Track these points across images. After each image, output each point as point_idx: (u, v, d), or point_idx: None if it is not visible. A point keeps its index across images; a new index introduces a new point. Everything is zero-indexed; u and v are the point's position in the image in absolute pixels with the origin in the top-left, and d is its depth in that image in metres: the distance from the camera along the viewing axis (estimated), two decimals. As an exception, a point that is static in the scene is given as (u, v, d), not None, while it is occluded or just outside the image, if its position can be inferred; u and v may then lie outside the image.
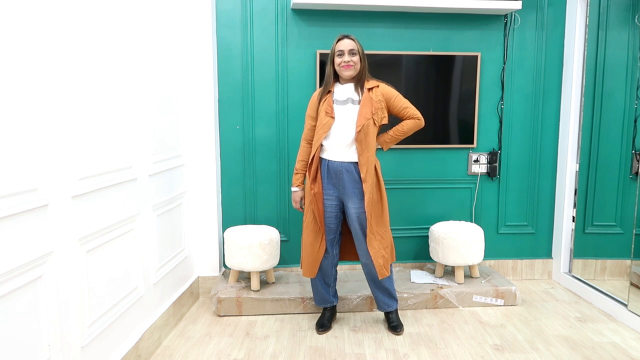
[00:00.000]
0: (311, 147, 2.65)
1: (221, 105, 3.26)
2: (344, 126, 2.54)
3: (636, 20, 3.03)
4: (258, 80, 3.25)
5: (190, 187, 3.15)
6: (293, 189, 2.72)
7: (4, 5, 1.43)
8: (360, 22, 3.26)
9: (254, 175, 3.33)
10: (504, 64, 3.39)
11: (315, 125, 2.63)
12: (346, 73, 2.53)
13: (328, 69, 2.60)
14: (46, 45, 1.65)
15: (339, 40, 2.54)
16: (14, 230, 1.50)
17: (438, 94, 3.34)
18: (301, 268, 2.71)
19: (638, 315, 2.76)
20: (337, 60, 2.54)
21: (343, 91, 2.58)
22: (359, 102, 2.54)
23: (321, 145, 2.59)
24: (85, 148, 1.88)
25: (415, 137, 3.35)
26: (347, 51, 2.51)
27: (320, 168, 2.60)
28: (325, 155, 2.59)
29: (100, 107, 2.00)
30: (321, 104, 2.59)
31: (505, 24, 3.37)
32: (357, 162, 2.55)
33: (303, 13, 3.23)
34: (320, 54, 3.20)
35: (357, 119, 2.51)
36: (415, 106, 2.65)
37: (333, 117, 2.54)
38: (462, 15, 3.32)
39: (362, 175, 2.52)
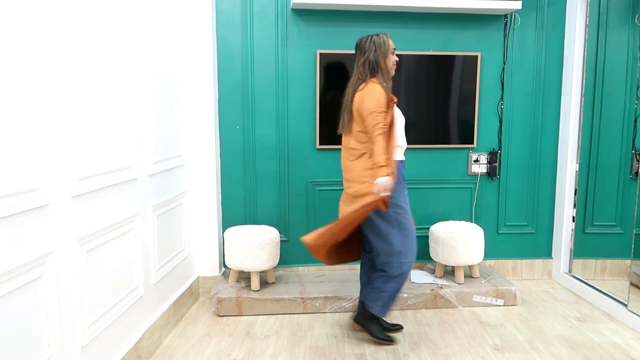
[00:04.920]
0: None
1: (221, 105, 3.26)
2: (401, 126, 2.54)
3: (636, 20, 3.03)
4: (258, 80, 3.25)
5: (190, 187, 3.15)
6: (389, 178, 2.33)
7: (4, 6, 1.43)
8: (360, 22, 3.26)
9: (254, 175, 3.33)
10: (504, 64, 3.39)
11: None
12: (393, 73, 2.52)
13: (383, 64, 2.43)
14: (46, 46, 1.65)
15: (389, 37, 2.46)
16: (14, 230, 1.50)
17: (438, 94, 3.34)
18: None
19: (638, 315, 2.76)
20: (392, 58, 2.47)
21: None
22: None
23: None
24: (85, 148, 1.88)
25: (416, 137, 3.35)
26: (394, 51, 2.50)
27: (398, 170, 2.50)
28: (401, 157, 2.55)
29: (101, 107, 2.00)
30: (390, 103, 2.44)
31: (505, 24, 3.37)
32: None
33: (303, 13, 3.23)
34: (320, 54, 3.20)
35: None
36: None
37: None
38: (462, 15, 3.32)
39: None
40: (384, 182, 2.30)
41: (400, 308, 3.02)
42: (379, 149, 2.31)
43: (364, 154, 2.42)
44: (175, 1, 2.87)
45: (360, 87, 2.42)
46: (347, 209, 2.46)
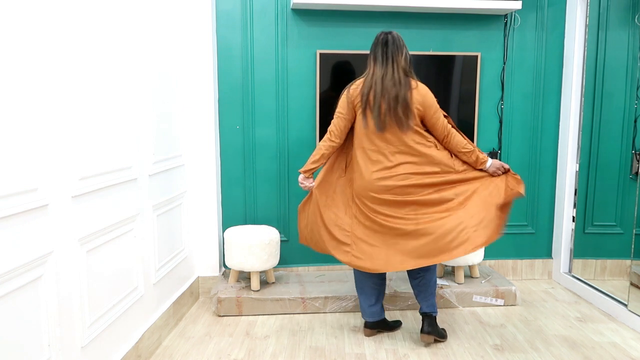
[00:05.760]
0: None
1: (221, 105, 3.26)
2: None
3: (636, 20, 3.03)
4: (258, 80, 3.25)
5: (190, 187, 3.15)
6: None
7: (3, 5, 1.43)
8: (360, 22, 3.26)
9: (254, 175, 3.34)
10: (504, 64, 3.40)
11: None
12: None
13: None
14: (46, 46, 1.65)
15: None
16: (14, 230, 1.50)
17: (438, 94, 3.30)
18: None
19: (638, 315, 2.76)
20: None
21: None
22: None
23: None
24: (85, 148, 1.88)
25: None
26: None
27: None
28: None
29: (101, 107, 2.00)
30: None
31: (505, 24, 3.37)
32: None
33: (303, 13, 3.23)
34: (320, 54, 3.20)
35: None
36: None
37: None
38: (462, 15, 3.32)
39: None
40: (499, 162, 2.47)
41: (400, 308, 3.02)
42: (462, 140, 2.44)
43: (431, 147, 2.45)
44: (175, 1, 2.87)
45: (414, 84, 2.40)
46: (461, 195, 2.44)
